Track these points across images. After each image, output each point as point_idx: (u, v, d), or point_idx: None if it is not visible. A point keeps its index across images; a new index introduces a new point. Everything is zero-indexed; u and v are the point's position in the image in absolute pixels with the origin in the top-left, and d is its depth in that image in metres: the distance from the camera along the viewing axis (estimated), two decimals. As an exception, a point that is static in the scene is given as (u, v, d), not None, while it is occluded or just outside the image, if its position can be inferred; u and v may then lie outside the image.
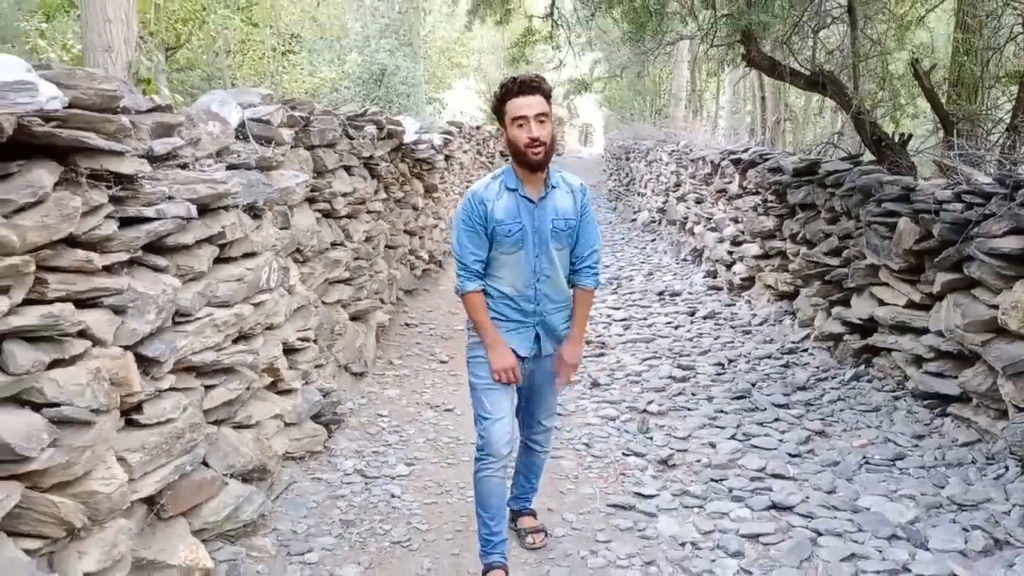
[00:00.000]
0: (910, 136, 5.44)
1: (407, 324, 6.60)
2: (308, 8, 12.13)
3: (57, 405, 2.08)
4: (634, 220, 13.10)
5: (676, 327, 6.42)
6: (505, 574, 2.71)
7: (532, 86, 2.52)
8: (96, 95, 2.15)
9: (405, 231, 7.25)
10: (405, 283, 7.22)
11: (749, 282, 7.01)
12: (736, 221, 7.45)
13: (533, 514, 3.08)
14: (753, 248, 6.83)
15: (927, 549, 2.87)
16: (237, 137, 3.23)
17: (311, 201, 4.37)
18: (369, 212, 5.58)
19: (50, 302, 2.09)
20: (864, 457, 3.69)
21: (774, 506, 3.26)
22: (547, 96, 2.56)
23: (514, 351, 2.69)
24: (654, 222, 11.94)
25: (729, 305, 7.00)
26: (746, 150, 7.29)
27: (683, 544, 2.98)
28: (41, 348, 2.06)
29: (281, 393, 3.62)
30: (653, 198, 12.27)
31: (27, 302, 2.04)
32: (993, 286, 3.62)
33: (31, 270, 1.99)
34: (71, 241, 2.16)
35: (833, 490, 3.38)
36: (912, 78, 5.55)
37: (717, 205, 8.30)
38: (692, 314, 6.80)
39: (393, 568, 2.87)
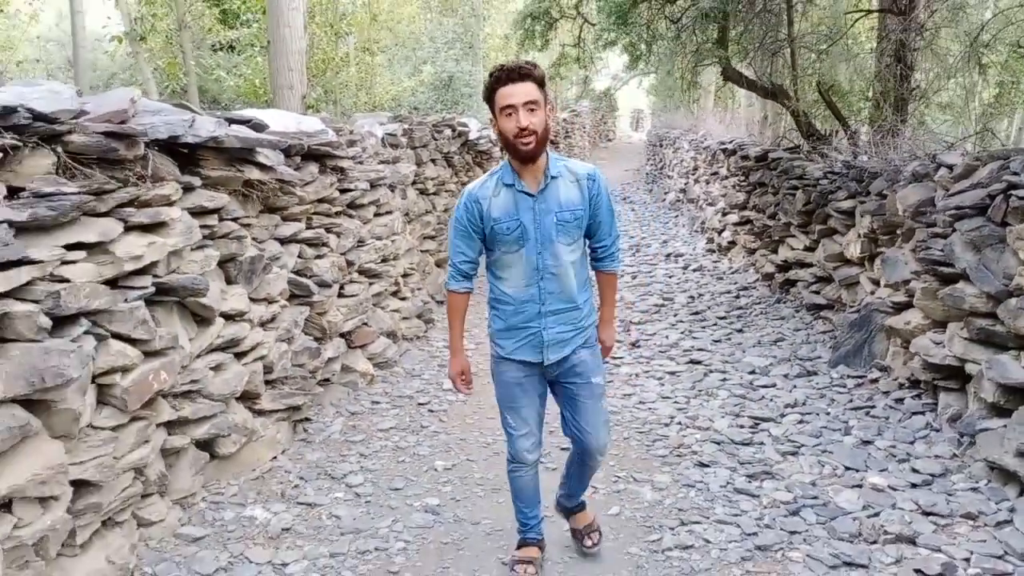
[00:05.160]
0: (835, 132, 7.49)
1: (471, 274, 8.99)
2: (386, 21, 14.61)
3: (319, 276, 4.50)
4: (664, 200, 15.19)
5: (670, 276, 8.61)
6: (540, 551, 2.86)
7: (521, 73, 2.34)
8: (334, 129, 4.56)
9: (470, 206, 9.61)
10: (470, 245, 9.60)
11: (732, 244, 9.12)
12: (724, 197, 9.56)
13: (584, 507, 2.95)
14: (733, 217, 8.95)
15: (767, 375, 5.08)
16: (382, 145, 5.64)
17: (413, 183, 6.78)
18: (447, 191, 7.97)
19: (315, 228, 4.51)
20: (758, 340, 5.89)
21: (691, 361, 5.51)
22: (539, 83, 2.37)
23: (526, 361, 2.60)
24: (678, 201, 14.01)
25: (716, 262, 9.15)
26: (731, 141, 9.38)
27: (630, 375, 5.27)
28: (313, 249, 4.49)
29: (401, 299, 6.04)
30: (678, 180, 14.33)
31: (307, 228, 4.47)
32: (841, 232, 5.75)
33: (311, 212, 4.42)
34: (321, 200, 4.58)
35: (731, 355, 5.61)
36: (846, 91, 7.56)
37: (714, 185, 10.40)
38: (685, 268, 8.98)
39: (469, 381, 5.24)
